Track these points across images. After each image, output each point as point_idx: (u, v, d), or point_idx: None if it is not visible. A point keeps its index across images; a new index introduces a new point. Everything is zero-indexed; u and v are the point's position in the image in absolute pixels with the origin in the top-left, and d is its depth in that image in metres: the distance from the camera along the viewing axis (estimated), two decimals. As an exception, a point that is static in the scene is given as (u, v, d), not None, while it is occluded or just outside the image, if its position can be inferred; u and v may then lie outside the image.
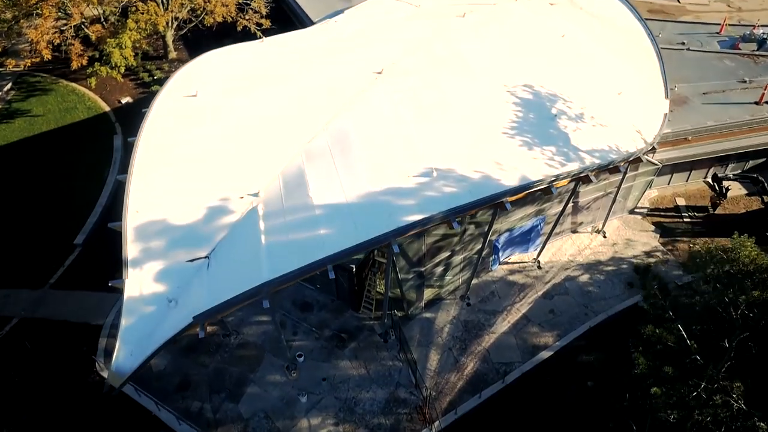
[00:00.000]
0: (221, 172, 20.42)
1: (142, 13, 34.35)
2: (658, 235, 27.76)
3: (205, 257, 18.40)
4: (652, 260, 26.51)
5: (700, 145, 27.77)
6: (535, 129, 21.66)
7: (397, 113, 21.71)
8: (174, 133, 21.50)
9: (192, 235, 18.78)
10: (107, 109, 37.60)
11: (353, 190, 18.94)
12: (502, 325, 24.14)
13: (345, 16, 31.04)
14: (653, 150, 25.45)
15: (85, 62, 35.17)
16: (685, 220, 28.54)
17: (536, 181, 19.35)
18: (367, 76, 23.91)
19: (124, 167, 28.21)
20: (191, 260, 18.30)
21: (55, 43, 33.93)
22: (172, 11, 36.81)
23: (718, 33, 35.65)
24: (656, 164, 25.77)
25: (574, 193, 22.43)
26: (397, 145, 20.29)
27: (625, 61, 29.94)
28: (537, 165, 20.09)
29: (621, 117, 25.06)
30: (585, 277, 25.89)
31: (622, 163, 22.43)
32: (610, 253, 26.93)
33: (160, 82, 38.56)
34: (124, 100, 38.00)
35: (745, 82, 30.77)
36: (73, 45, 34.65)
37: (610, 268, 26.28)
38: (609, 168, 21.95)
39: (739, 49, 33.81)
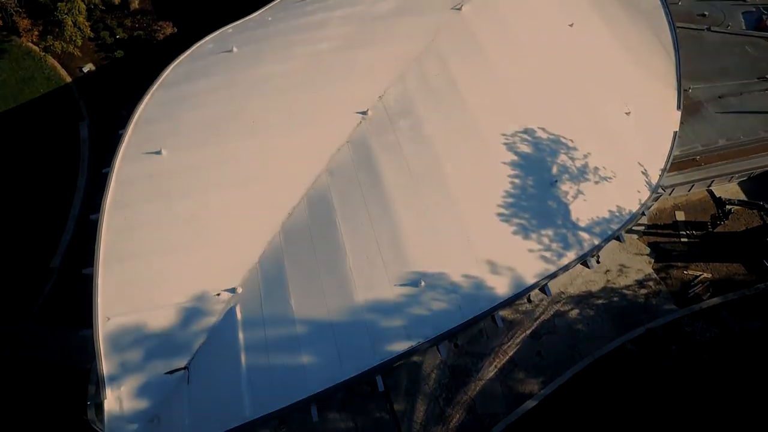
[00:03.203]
0: (194, 261, 19.11)
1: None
2: (652, 261, 27.01)
3: (185, 368, 17.87)
4: (644, 291, 26.07)
5: (710, 167, 26.07)
6: (532, 204, 20.04)
7: (384, 187, 19.83)
8: (139, 211, 19.76)
9: (168, 342, 18.08)
10: (69, 79, 34.28)
11: (336, 299, 17.91)
12: (489, 370, 24.21)
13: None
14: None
15: (35, 37, 31.47)
16: (682, 240, 27.62)
17: (530, 287, 18.30)
18: (350, 120, 21.59)
19: (94, 166, 26.36)
20: (170, 372, 17.80)
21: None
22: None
23: (744, 1, 31.95)
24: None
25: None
26: (383, 238, 18.80)
27: (637, 60, 27.17)
28: (532, 261, 18.90)
29: (628, 155, 23.25)
30: (574, 313, 25.56)
31: (622, 231, 21.12)
32: (602, 283, 26.34)
33: (123, 45, 35.05)
34: (86, 68, 34.57)
35: (766, 79, 28.12)
36: (18, 21, 30.69)
37: (600, 301, 25.86)
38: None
39: (766, 26, 30.48)
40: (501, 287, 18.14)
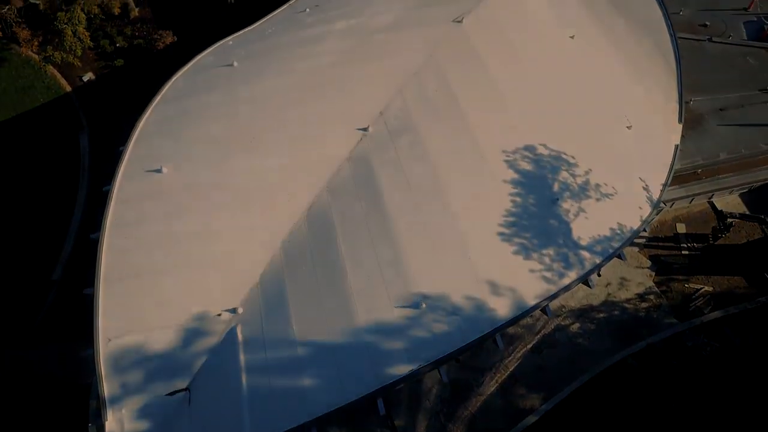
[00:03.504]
0: (195, 280, 19.07)
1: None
2: (653, 273, 26.98)
3: (186, 389, 17.85)
4: (645, 305, 26.05)
5: (711, 181, 26.03)
6: (534, 223, 19.99)
7: (384, 206, 19.79)
8: (139, 230, 19.71)
9: (169, 363, 18.04)
10: (68, 89, 34.22)
11: (336, 320, 17.89)
12: (490, 385, 24.23)
13: (321, 9, 27.46)
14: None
15: (35, 48, 31.40)
16: (683, 252, 27.57)
17: (531, 308, 18.27)
18: (351, 136, 21.53)
19: (95, 176, 26.20)
20: (171, 393, 17.78)
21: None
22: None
23: (746, 9, 31.85)
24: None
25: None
26: (384, 258, 18.76)
27: (638, 72, 27.12)
28: (533, 281, 18.86)
29: (629, 170, 23.21)
30: (575, 327, 25.55)
31: (624, 249, 21.09)
32: (603, 296, 26.32)
33: (123, 53, 34.99)
34: (85, 78, 34.50)
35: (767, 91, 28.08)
36: (18, 32, 30.61)
37: (601, 315, 25.85)
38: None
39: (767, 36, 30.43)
40: (502, 308, 18.11)
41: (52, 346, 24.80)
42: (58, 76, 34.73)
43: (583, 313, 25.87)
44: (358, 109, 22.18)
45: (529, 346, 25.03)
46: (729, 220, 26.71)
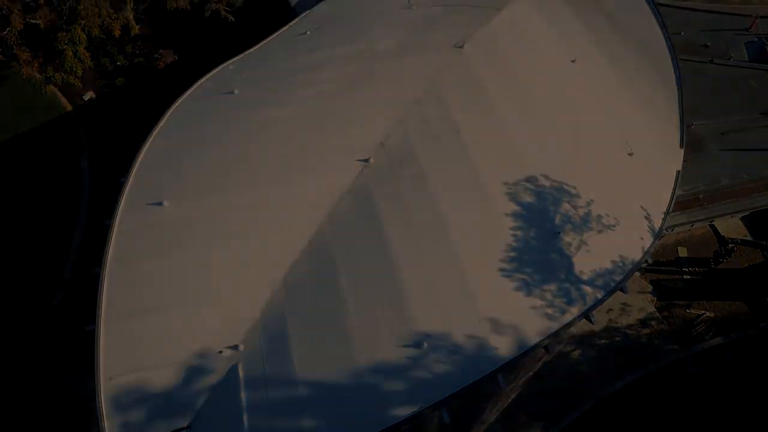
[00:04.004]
0: (196, 316, 19.04)
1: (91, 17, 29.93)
2: (654, 299, 26.96)
3: (187, 428, 17.84)
4: (646, 331, 26.03)
5: (713, 207, 25.99)
6: (535, 258, 19.96)
7: (385, 241, 19.74)
8: (140, 265, 19.69)
9: (171, 401, 18.02)
10: (69, 108, 34.18)
11: (337, 359, 17.87)
12: (491, 413, 24.22)
13: (322, 32, 27.41)
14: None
15: (36, 70, 31.34)
16: (684, 277, 27.54)
17: (533, 347, 18.25)
18: (351, 167, 21.48)
19: (94, 198, 25.97)
20: (172, 432, 17.80)
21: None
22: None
23: (747, 30, 31.78)
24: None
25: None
26: (385, 295, 18.73)
27: (639, 96, 27.09)
28: (535, 318, 18.83)
29: (630, 199, 23.18)
30: (577, 353, 25.54)
31: (626, 283, 21.07)
32: (605, 322, 26.30)
33: (124, 72, 34.97)
34: (86, 97, 34.46)
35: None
36: (19, 54, 30.57)
37: (603, 341, 25.84)
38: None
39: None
40: (504, 347, 18.09)
41: (51, 370, 24.89)
42: (59, 95, 34.68)
43: (584, 339, 25.85)
44: (358, 140, 22.13)
45: (530, 373, 25.02)
46: (730, 245, 26.68)
